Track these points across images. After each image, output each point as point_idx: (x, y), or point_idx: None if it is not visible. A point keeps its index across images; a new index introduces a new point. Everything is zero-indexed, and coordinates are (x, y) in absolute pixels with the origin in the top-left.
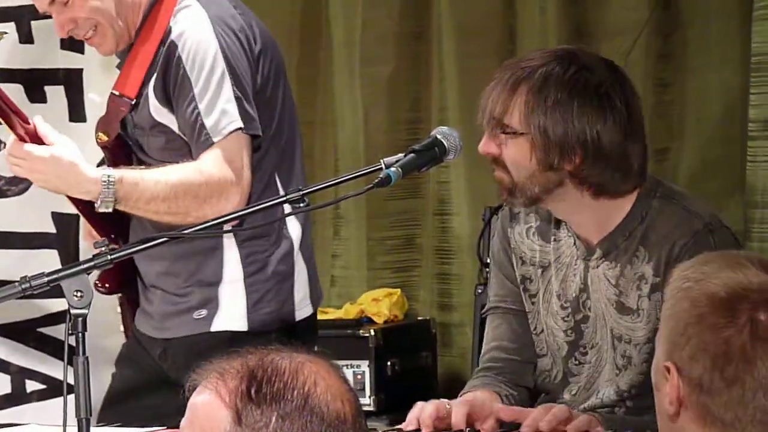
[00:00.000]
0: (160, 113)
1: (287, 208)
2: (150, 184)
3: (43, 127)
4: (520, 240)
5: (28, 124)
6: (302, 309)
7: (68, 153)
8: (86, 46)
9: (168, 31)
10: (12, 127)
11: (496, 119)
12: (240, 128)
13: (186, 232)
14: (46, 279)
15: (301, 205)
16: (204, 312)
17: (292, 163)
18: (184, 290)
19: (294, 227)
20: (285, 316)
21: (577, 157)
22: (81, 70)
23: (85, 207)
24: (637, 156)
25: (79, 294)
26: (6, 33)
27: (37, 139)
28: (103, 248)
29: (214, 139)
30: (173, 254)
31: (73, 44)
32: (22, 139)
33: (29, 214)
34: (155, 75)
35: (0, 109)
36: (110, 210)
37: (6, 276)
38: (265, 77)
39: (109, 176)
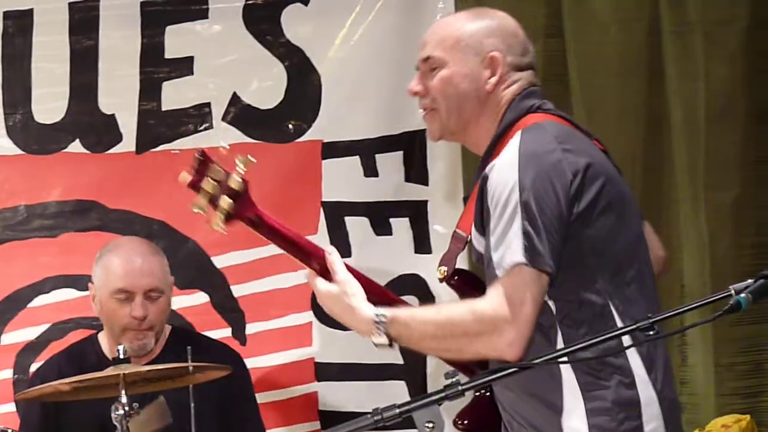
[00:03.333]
0: (479, 243)
1: (627, 338)
2: (419, 325)
3: (333, 263)
4: None
5: (322, 257)
6: None
7: (347, 294)
8: (430, 179)
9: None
10: (304, 263)
11: None
12: (521, 263)
13: (535, 361)
14: (397, 410)
15: (650, 333)
16: None
17: (634, 291)
18: (537, 421)
19: (635, 362)
20: None
21: None
22: (426, 202)
23: None
24: None
25: (430, 425)
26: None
27: (329, 272)
28: (453, 379)
29: (498, 273)
30: (518, 383)
31: (418, 177)
32: (315, 270)
33: None
34: (476, 206)
35: (294, 249)
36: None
37: (357, 407)
38: (588, 206)
39: (381, 316)
